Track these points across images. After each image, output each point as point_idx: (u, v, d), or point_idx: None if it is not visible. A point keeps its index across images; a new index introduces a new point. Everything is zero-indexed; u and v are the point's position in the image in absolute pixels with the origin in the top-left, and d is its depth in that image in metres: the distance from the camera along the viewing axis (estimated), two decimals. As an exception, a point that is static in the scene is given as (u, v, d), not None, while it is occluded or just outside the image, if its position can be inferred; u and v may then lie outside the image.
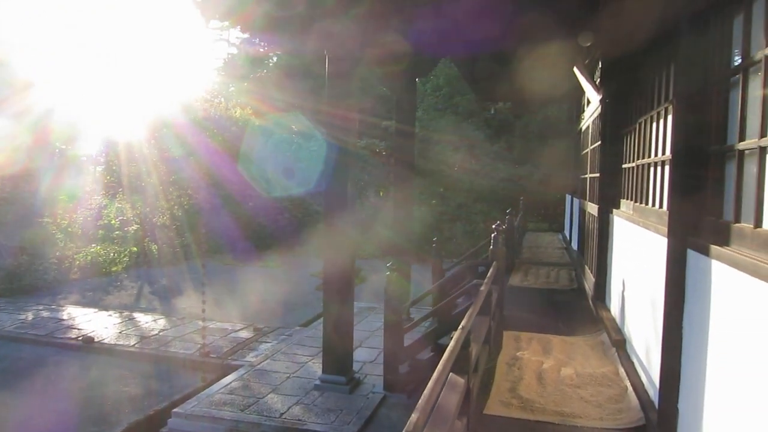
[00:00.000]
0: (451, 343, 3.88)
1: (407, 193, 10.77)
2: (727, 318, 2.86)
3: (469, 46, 10.57)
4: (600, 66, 7.83)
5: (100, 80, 21.73)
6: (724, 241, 3.01)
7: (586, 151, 9.58)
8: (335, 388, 7.53)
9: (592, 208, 7.96)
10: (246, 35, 34.33)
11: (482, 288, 5.54)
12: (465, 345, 4.15)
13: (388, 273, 7.33)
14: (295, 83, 23.00)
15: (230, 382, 7.92)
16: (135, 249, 17.07)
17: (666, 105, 4.39)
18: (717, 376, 2.97)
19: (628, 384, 4.82)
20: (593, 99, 8.42)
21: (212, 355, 9.45)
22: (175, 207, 18.50)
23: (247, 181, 19.69)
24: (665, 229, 3.94)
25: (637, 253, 5.11)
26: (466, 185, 20.95)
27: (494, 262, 6.97)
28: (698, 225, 3.47)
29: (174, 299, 13.51)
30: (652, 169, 4.81)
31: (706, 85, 3.45)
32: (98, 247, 16.38)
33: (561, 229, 16.30)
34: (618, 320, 5.98)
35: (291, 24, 7.48)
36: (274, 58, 31.09)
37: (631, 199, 5.83)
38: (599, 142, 7.45)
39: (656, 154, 4.69)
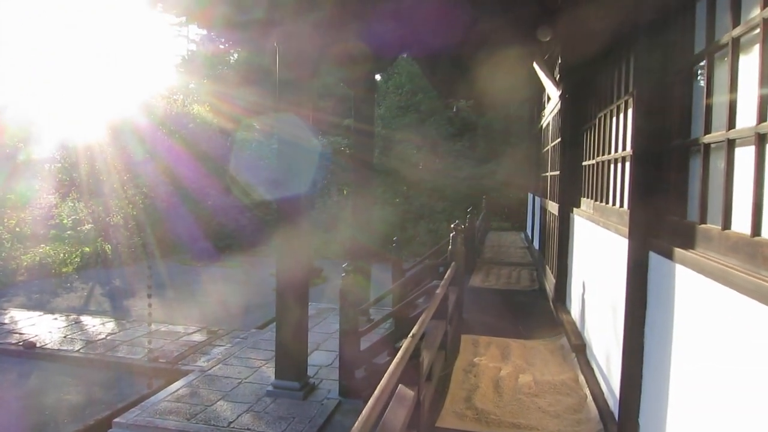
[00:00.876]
0: (399, 353, 3.56)
1: (368, 192, 10.45)
2: (692, 327, 2.59)
3: (428, 44, 10.29)
4: (560, 61, 7.61)
5: (55, 77, 20.89)
6: (689, 244, 2.74)
7: (546, 148, 9.38)
8: (288, 394, 7.21)
9: (553, 207, 7.74)
10: (205, 32, 33.65)
11: (438, 291, 5.24)
12: (415, 354, 3.83)
13: (343, 275, 7.00)
14: (255, 82, 22.43)
15: (178, 389, 7.48)
16: (87, 249, 16.34)
17: (626, 98, 4.14)
18: (681, 388, 2.71)
19: (588, 392, 4.57)
20: (553, 95, 8.21)
21: (161, 360, 8.96)
22: (130, 206, 17.79)
23: (207, 180, 19.10)
24: (626, 230, 3.69)
25: (597, 255, 4.87)
26: (429, 184, 20.72)
27: (453, 263, 6.69)
28: (660, 226, 3.21)
29: (126, 301, 12.92)
30: (612, 166, 4.56)
31: (666, 74, 3.19)
32: (47, 248, 15.61)
33: (523, 228, 16.18)
34: (578, 324, 5.75)
35: (248, 24, 7.16)
36: (235, 55, 30.40)
37: (592, 198, 5.59)
38: (559, 139, 7.23)
39: (616, 150, 4.44)
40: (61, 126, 19.61)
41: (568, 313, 6.39)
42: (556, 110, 7.92)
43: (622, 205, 4.17)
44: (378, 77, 28.44)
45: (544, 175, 9.66)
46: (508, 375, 4.99)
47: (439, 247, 10.87)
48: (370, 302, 7.87)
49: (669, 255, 2.92)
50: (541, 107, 11.44)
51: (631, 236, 3.46)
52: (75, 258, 15.87)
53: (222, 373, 7.97)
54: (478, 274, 9.80)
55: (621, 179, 4.17)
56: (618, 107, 4.40)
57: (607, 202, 4.71)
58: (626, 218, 3.86)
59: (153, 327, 10.64)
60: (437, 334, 5.06)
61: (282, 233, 7.30)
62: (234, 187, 19.57)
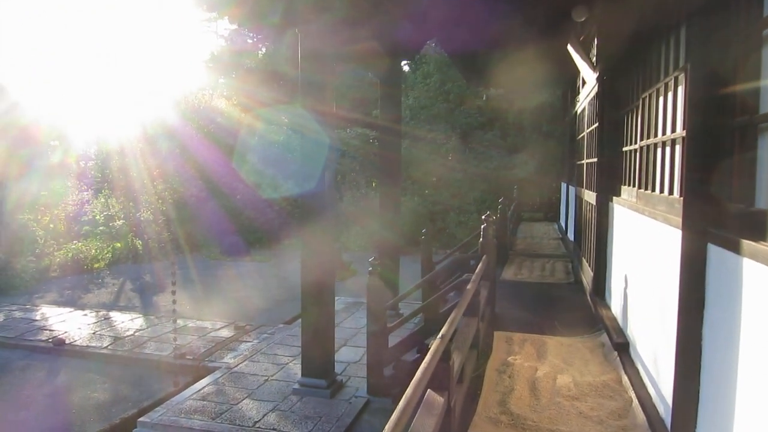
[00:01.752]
0: (428, 356, 3.25)
1: (395, 183, 10.13)
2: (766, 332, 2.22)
3: (455, 30, 9.90)
4: (596, 41, 7.17)
5: (87, 75, 21.07)
6: (760, 235, 2.37)
7: (582, 135, 8.92)
8: (315, 393, 6.98)
9: (590, 196, 7.31)
10: (234, 27, 33.62)
11: (468, 286, 4.91)
12: (445, 357, 3.52)
13: (370, 271, 6.74)
14: (283, 76, 22.25)
15: (204, 387, 7.32)
16: (119, 245, 16.40)
17: (676, 74, 3.73)
18: (752, 402, 2.34)
19: (633, 396, 4.20)
20: (589, 78, 7.76)
21: (188, 357, 8.83)
22: (160, 201, 17.81)
23: (236, 174, 19.02)
24: (678, 220, 3.30)
25: (641, 246, 4.48)
26: (459, 175, 20.29)
27: (484, 256, 6.35)
28: (721, 215, 2.82)
29: (155, 296, 12.89)
30: (659, 150, 4.15)
31: (728, 43, 2.80)
32: (80, 244, 15.71)
33: (556, 219, 15.65)
34: (620, 320, 5.35)
35: (273, 20, 7.02)
36: (263, 50, 30.29)
37: (634, 186, 5.18)
38: (596, 124, 6.79)
39: (664, 133, 4.03)
40: (94, 124, 19.81)
41: (608, 308, 5.99)
42: (592, 94, 7.47)
43: (671, 193, 3.77)
44: (406, 67, 28.04)
45: (579, 163, 9.20)
46: (545, 375, 4.64)
47: (469, 240, 10.51)
48: (398, 297, 7.56)
49: (734, 248, 2.55)
50: (575, 93, 10.95)
51: (685, 227, 3.08)
52: (107, 254, 15.94)
53: (248, 370, 7.78)
54: (510, 267, 9.41)
55: (671, 164, 3.77)
56: (666, 85, 3.99)
57: (653, 190, 4.31)
58: (678, 207, 3.47)
59: (180, 323, 10.54)
60: (468, 332, 4.73)
61: (306, 229, 7.04)
62: (263, 182, 19.45)
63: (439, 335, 3.49)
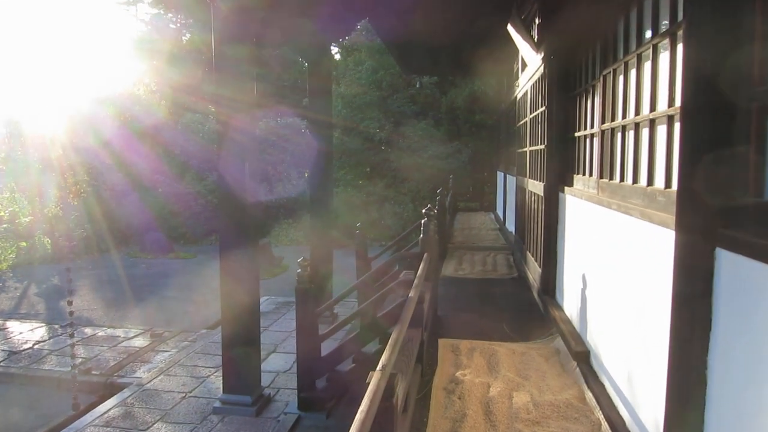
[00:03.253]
0: (365, 401, 2.47)
1: (326, 174, 9.30)
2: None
3: (389, 7, 9.15)
4: (538, 19, 6.58)
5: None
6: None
7: (523, 121, 8.36)
8: (239, 410, 6.15)
9: (535, 186, 6.74)
10: (156, 12, 31.56)
11: (410, 293, 4.18)
12: (387, 395, 2.76)
13: (298, 272, 5.92)
14: (206, 63, 20.82)
15: (109, 409, 6.33)
16: (24, 244, 14.76)
17: (656, 41, 3.09)
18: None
19: (602, 417, 3.59)
20: (531, 60, 7.17)
21: (94, 372, 7.75)
22: (73, 195, 16.18)
23: (157, 166, 17.60)
24: (665, 216, 2.68)
25: (607, 244, 3.86)
26: (393, 164, 19.62)
27: (425, 254, 5.64)
28: (736, 212, 2.19)
29: (63, 301, 11.52)
30: (630, 133, 3.53)
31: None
32: (-25, 244, 14.03)
33: (493, 208, 15.25)
34: (577, 325, 4.77)
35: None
36: (187, 35, 28.56)
37: (591, 175, 4.59)
38: (543, 109, 6.20)
39: (638, 113, 3.40)
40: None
41: (561, 309, 5.42)
42: (536, 77, 6.89)
43: (651, 183, 3.15)
44: (337, 55, 27.07)
45: (520, 151, 8.65)
46: (500, 394, 3.98)
47: (406, 233, 9.84)
48: (331, 302, 6.79)
49: (758, 254, 1.92)
50: (513, 78, 10.43)
51: (681, 226, 2.43)
52: (10, 254, 14.30)
53: (163, 386, 6.82)
54: (450, 261, 8.79)
55: (649, 149, 3.14)
56: (640, 57, 3.36)
57: (622, 180, 3.69)
58: (662, 200, 2.85)
59: (89, 332, 9.37)
60: (412, 348, 4.01)
61: (225, 224, 6.16)
62: (186, 174, 18.12)
63: (380, 365, 2.74)
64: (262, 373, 6.96)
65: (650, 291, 2.96)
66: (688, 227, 2.41)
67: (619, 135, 3.80)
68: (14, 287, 12.69)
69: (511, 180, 10.51)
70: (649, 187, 3.13)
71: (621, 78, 3.75)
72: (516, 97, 9.33)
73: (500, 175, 13.66)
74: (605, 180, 4.05)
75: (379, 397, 2.56)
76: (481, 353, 4.84)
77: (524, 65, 8.34)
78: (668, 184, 2.88)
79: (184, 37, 28.31)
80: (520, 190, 8.34)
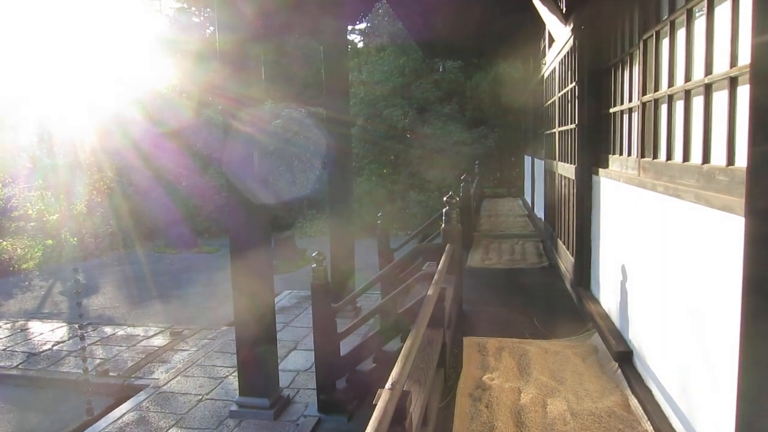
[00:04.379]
0: (370, 427, 2.07)
1: (345, 163, 8.90)
2: None
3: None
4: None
5: (20, 58, 18.99)
6: None
7: (551, 101, 7.80)
8: (256, 414, 5.82)
9: (566, 170, 6.21)
10: (179, 6, 31.42)
11: (430, 291, 3.75)
12: (398, 418, 2.35)
13: (313, 266, 5.57)
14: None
15: (124, 414, 6.08)
16: (50, 242, 14.73)
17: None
18: None
19: (650, 428, 3.12)
20: (559, 34, 6.62)
21: (111, 374, 7.52)
22: (97, 192, 16.10)
23: (180, 160, 17.43)
24: (728, 200, 2.20)
25: (651, 232, 3.37)
26: (417, 152, 19.11)
27: (447, 246, 5.21)
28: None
29: (87, 299, 11.39)
30: (680, 103, 3.02)
31: None
32: (5, 243, 14.01)
33: (520, 194, 14.67)
34: (617, 321, 4.27)
35: None
36: (211, 29, 28.35)
37: (630, 154, 4.08)
38: (573, 85, 5.67)
39: (688, 78, 2.89)
40: (29, 111, 17.82)
41: (597, 302, 4.92)
42: (565, 51, 6.34)
43: (706, 160, 2.65)
44: (360, 44, 26.57)
45: (549, 132, 8.10)
46: (532, 402, 3.53)
47: (431, 221, 9.40)
48: (351, 296, 6.38)
49: None
50: (540, 56, 9.83)
51: (753, 211, 1.96)
52: (37, 252, 14.28)
53: (180, 388, 6.55)
54: (476, 251, 8.31)
55: (705, 120, 2.64)
56: (691, 12, 2.84)
57: (669, 158, 3.19)
58: (724, 180, 2.35)
59: (108, 331, 9.16)
60: (432, 351, 3.59)
61: (234, 219, 5.83)
62: (209, 167, 17.92)
63: (389, 383, 2.33)
64: (281, 373, 6.63)
65: (709, 284, 2.48)
66: (762, 212, 1.93)
67: (664, 107, 3.29)
68: (39, 286, 12.63)
69: (539, 164, 9.95)
70: (706, 165, 2.63)
71: (666, 41, 3.23)
72: (543, 75, 8.76)
73: (527, 160, 13.07)
74: (648, 159, 3.54)
75: (388, 421, 2.15)
76: (510, 353, 4.38)
77: (551, 41, 7.77)
78: (731, 161, 2.38)
79: (207, 31, 28.11)
80: (549, 174, 7.80)
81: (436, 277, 4.08)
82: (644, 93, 3.63)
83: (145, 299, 11.14)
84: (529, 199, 12.39)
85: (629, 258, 3.90)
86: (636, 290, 3.77)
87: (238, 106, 5.44)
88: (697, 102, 2.78)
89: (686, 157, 2.91)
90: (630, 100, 4.11)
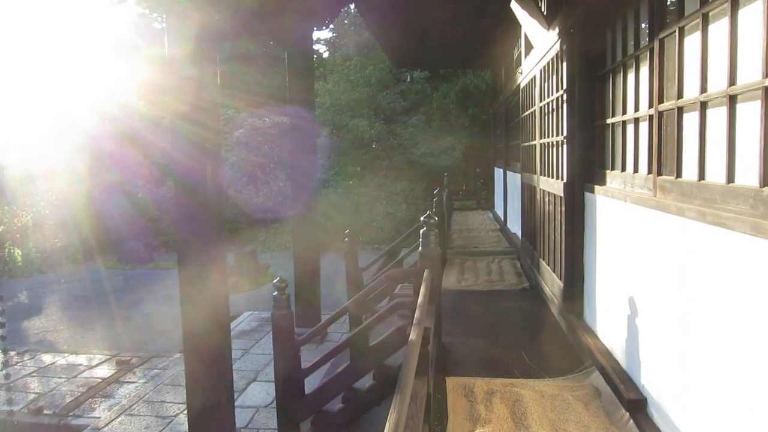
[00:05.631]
0: None
1: (310, 171, 8.23)
2: None
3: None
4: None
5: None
6: None
7: (529, 111, 7.29)
8: (207, 464, 5.00)
9: (550, 185, 5.67)
10: (142, 10, 30.26)
11: (412, 336, 3.10)
12: None
13: (274, 294, 4.89)
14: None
15: (55, 465, 5.18)
16: (-9, 256, 13.58)
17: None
18: None
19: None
20: (540, 41, 6.11)
21: (46, 412, 6.62)
22: (42, 203, 14.99)
23: (136, 171, 16.42)
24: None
25: (680, 264, 2.78)
26: (384, 163, 18.53)
27: (426, 272, 4.58)
28: None
29: (28, 321, 10.37)
30: (719, 110, 2.46)
31: None
32: (-61, 259, 12.82)
33: (490, 207, 14.20)
34: (623, 360, 3.70)
35: None
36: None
37: (638, 171, 3.53)
38: (561, 94, 5.13)
39: (733, 81, 2.34)
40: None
41: (594, 335, 4.36)
42: (547, 59, 5.82)
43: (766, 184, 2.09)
44: (325, 53, 25.91)
45: (526, 144, 7.58)
46: (535, 465, 2.92)
47: (402, 238, 8.78)
48: (319, 326, 5.68)
49: None
50: (514, 65, 9.37)
51: None
52: (-24, 269, 13.12)
53: (122, 430, 5.75)
54: (451, 270, 7.72)
55: (765, 130, 2.08)
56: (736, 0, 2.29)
57: (701, 177, 2.63)
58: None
59: (48, 359, 8.22)
60: (417, 409, 2.94)
61: (183, 239, 5.09)
62: (168, 178, 16.93)
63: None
64: (238, 410, 5.89)
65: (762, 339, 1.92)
66: None
67: (692, 116, 2.73)
68: (-24, 306, 11.51)
69: (514, 177, 9.45)
70: (767, 188, 2.07)
71: (694, 38, 2.68)
72: (519, 85, 8.26)
73: (499, 172, 12.60)
74: (668, 178, 2.98)
75: None
76: (502, 398, 3.76)
77: (529, 49, 7.28)
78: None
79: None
80: (528, 189, 7.27)
81: (417, 314, 3.44)
82: (660, 100, 3.08)
83: (92, 321, 10.19)
84: (500, 213, 11.90)
85: (642, 290, 3.33)
86: (652, 328, 3.20)
87: (189, 112, 4.76)
88: (745, 108, 2.23)
89: (731, 177, 2.35)
90: (636, 110, 3.57)
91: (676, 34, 2.85)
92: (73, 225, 14.86)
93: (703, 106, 2.60)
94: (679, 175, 2.86)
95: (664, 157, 3.08)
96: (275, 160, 17.97)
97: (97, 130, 16.14)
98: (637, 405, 3.27)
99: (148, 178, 16.53)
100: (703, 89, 2.60)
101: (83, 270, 14.12)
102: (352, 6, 11.72)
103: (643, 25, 3.48)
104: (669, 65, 3.00)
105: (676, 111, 2.87)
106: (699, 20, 2.60)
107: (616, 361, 3.79)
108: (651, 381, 3.22)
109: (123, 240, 15.14)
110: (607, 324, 4.09)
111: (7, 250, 13.92)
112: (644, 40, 3.43)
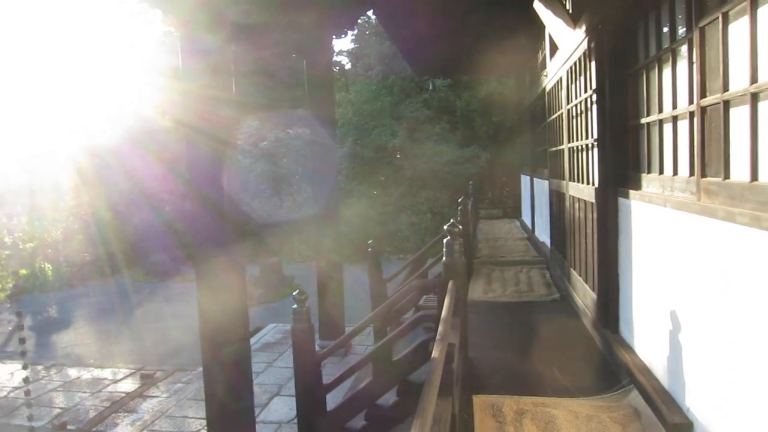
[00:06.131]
0: None
1: (331, 180, 8.08)
2: None
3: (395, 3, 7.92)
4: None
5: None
6: None
7: (556, 114, 6.99)
8: (229, 485, 4.81)
9: (580, 191, 5.38)
10: (168, 28, 30.73)
11: (435, 354, 2.86)
12: None
13: (294, 308, 4.71)
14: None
15: (75, 482, 5.05)
16: (23, 271, 13.70)
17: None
18: None
19: None
20: (566, 41, 5.84)
21: (70, 427, 6.54)
22: (73, 218, 15.14)
23: (163, 184, 16.49)
24: None
25: (732, 276, 2.49)
26: (408, 172, 18.30)
27: (450, 283, 4.33)
28: None
29: (56, 335, 10.39)
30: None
31: None
32: (-28, 274, 12.97)
33: (517, 215, 13.84)
34: (665, 379, 3.39)
35: None
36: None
37: (678, 173, 3.24)
38: (590, 94, 4.85)
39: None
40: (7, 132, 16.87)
41: (631, 350, 4.04)
42: (574, 58, 5.54)
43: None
44: (348, 65, 25.87)
45: (554, 150, 7.28)
46: (572, 497, 2.64)
47: (427, 248, 8.56)
48: (341, 339, 5.47)
49: None
50: (539, 69, 9.08)
51: None
52: (8, 283, 13.21)
53: (144, 448, 5.59)
54: (477, 280, 7.43)
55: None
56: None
57: (754, 178, 2.34)
58: None
59: (73, 373, 8.17)
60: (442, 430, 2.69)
61: (200, 252, 4.95)
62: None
63: None
64: (260, 426, 5.72)
65: None
66: None
67: (741, 110, 2.45)
68: (7, 320, 11.57)
69: (541, 184, 9.13)
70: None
71: (742, 21, 2.40)
72: (544, 88, 7.97)
73: (525, 179, 12.26)
74: (715, 180, 2.69)
75: None
76: (533, 419, 3.49)
77: (554, 50, 7.00)
78: None
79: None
80: (557, 196, 6.96)
81: (440, 329, 3.21)
82: (703, 95, 2.79)
83: (119, 334, 10.15)
84: (528, 221, 11.56)
85: (686, 303, 3.03)
86: (698, 346, 2.89)
87: (201, 125, 4.66)
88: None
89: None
90: (674, 107, 3.28)
91: (719, 20, 2.58)
92: (101, 239, 14.97)
93: (755, 98, 2.32)
94: (727, 176, 2.58)
95: (709, 157, 2.79)
96: (299, 171, 17.91)
97: (124, 145, 16.26)
98: (681, 430, 2.96)
99: (174, 192, 16.57)
100: (754, 79, 2.32)
101: (111, 283, 14.18)
102: (374, 16, 11.61)
103: (679, 16, 3.20)
104: (711, 56, 2.72)
105: (721, 105, 2.59)
106: (746, 2, 2.33)
107: (657, 380, 3.48)
108: (697, 403, 2.91)
109: (150, 253, 15.19)
110: (646, 339, 3.78)
111: (37, 265, 14.05)
112: (681, 31, 3.15)
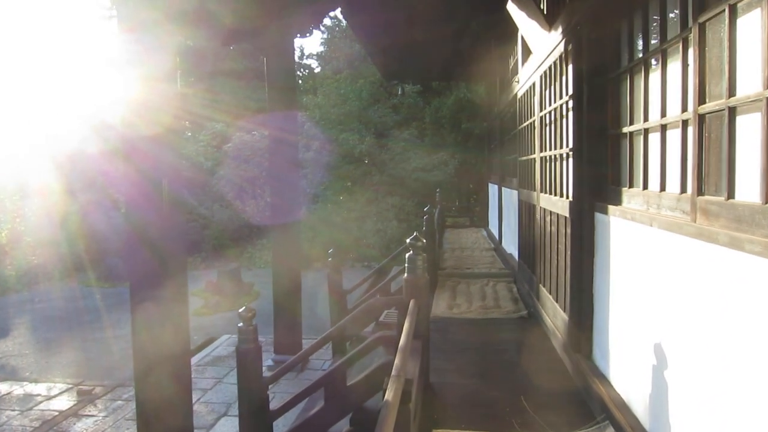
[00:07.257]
0: None
1: (292, 185, 7.59)
2: None
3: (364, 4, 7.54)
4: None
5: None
6: None
7: (529, 122, 6.64)
8: None
9: (553, 204, 5.01)
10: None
11: (389, 396, 2.41)
12: None
13: (240, 326, 4.25)
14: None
15: None
16: (-38, 275, 12.78)
17: None
18: None
19: None
20: (540, 44, 5.49)
21: (-10, 454, 5.86)
22: (18, 219, 14.22)
23: (119, 186, 15.65)
24: None
25: (739, 312, 2.11)
26: (375, 178, 17.87)
27: (411, 302, 3.91)
28: None
29: (-8, 345, 9.59)
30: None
31: None
32: None
33: (484, 224, 13.52)
34: (646, 420, 2.99)
35: None
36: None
37: (670, 189, 2.88)
38: (566, 100, 4.50)
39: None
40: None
41: (607, 381, 3.66)
42: (550, 61, 5.19)
43: None
44: (317, 69, 25.35)
45: (524, 159, 6.93)
46: None
47: (390, 258, 8.14)
48: (292, 360, 4.97)
49: None
50: (511, 75, 8.77)
51: None
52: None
53: (71, 478, 4.98)
54: (442, 294, 7.02)
55: None
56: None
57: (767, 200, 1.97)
58: None
59: (4, 388, 7.47)
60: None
61: (134, 260, 4.41)
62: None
63: None
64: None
65: None
66: None
67: (750, 118, 2.07)
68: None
69: (510, 193, 8.80)
70: None
71: (754, 14, 2.03)
72: (515, 95, 7.64)
73: (493, 188, 11.95)
74: (716, 198, 2.31)
75: None
76: (499, 462, 3.07)
77: (527, 55, 6.66)
78: None
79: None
80: (527, 207, 6.61)
81: (397, 360, 2.77)
82: (702, 101, 2.42)
83: (60, 344, 9.41)
84: (495, 231, 11.23)
85: (675, 336, 2.65)
86: (688, 386, 2.51)
87: (144, 127, 4.15)
88: None
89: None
90: (663, 114, 2.91)
91: (726, 14, 2.20)
92: (51, 242, 14.09)
93: (771, 103, 1.94)
94: (731, 195, 2.20)
95: (707, 172, 2.41)
96: (264, 174, 17.31)
97: (78, 146, 15.42)
98: (669, 480, 2.58)
99: (136, 192, 15.78)
100: (769, 83, 1.94)
101: (59, 288, 13.33)
102: (343, 19, 11.17)
103: (672, 12, 2.84)
104: (713, 56, 2.35)
105: (726, 112, 2.21)
106: (761, -8, 1.96)
107: (636, 419, 3.10)
108: (688, 451, 2.53)
109: (102, 257, 14.37)
110: (624, 371, 3.40)
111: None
112: (675, 29, 2.79)
